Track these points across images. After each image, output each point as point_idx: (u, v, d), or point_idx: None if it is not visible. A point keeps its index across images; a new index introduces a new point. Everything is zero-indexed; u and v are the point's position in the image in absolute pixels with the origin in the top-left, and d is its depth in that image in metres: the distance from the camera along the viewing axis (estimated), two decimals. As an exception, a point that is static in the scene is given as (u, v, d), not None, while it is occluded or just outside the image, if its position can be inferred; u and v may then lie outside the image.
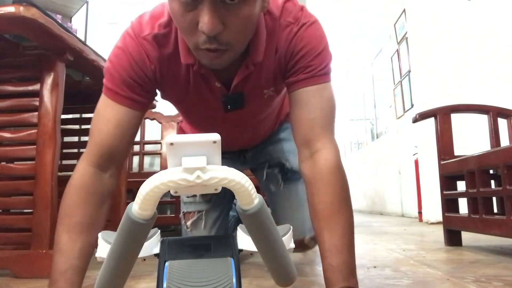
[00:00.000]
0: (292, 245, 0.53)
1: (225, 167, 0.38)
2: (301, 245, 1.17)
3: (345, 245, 0.68)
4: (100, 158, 0.75)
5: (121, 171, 0.83)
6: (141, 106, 0.79)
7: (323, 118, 0.76)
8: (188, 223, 1.24)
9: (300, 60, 0.78)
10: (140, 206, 0.37)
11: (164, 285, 0.45)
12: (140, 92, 0.77)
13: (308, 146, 0.76)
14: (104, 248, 0.49)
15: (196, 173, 0.36)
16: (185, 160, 0.36)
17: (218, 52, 0.66)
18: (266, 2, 0.71)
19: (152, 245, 0.50)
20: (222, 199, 1.27)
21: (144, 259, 0.51)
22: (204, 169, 0.36)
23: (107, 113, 0.77)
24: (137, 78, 0.76)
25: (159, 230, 0.53)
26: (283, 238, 0.50)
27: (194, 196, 1.23)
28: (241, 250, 0.52)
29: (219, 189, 0.40)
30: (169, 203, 2.13)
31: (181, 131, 1.25)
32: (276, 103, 1.02)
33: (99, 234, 0.52)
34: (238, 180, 0.38)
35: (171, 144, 0.37)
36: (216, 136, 0.38)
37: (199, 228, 1.24)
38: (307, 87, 0.77)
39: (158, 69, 0.78)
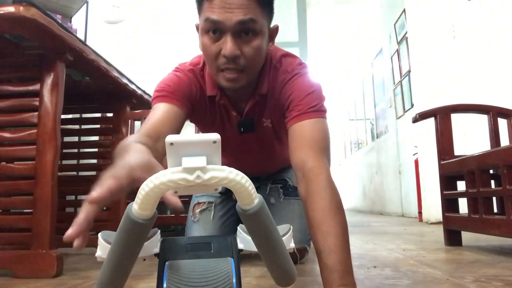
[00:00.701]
0: (292, 245, 0.53)
1: (225, 167, 0.38)
2: (291, 255, 1.23)
3: (339, 246, 0.68)
4: (147, 137, 0.81)
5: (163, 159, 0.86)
6: (185, 107, 0.95)
7: (315, 144, 0.86)
8: (197, 210, 1.34)
9: (292, 102, 0.94)
10: (140, 206, 0.37)
11: (164, 285, 0.45)
12: (184, 99, 0.96)
13: (302, 168, 0.84)
14: (104, 248, 0.49)
15: (196, 173, 0.36)
16: (185, 160, 0.36)
17: (235, 74, 0.86)
18: (270, 46, 0.95)
19: (152, 245, 0.50)
20: (232, 198, 1.33)
21: (144, 259, 0.51)
22: (204, 169, 0.36)
23: (155, 110, 0.92)
24: (184, 90, 0.96)
25: (159, 230, 0.53)
26: (283, 238, 0.49)
27: None
28: (241, 250, 0.51)
29: (220, 189, 0.40)
30: (169, 203, 2.13)
31: None
32: (284, 143, 1.17)
33: (99, 234, 0.52)
34: (238, 180, 0.37)
35: (171, 144, 0.37)
36: (215, 136, 0.37)
37: (206, 218, 1.31)
38: (300, 122, 0.91)
39: (199, 94, 1.01)
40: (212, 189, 0.39)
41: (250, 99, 1.01)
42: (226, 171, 0.37)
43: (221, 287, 0.44)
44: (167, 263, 0.47)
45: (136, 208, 0.37)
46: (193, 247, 0.49)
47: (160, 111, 0.91)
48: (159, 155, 0.82)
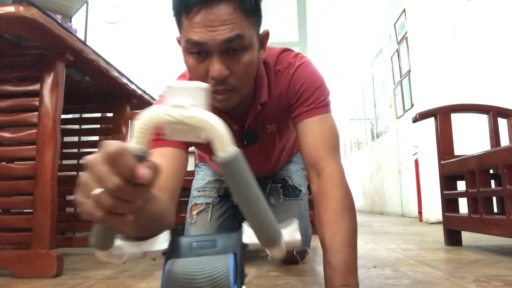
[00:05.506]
0: (298, 237, 0.53)
1: (207, 112, 0.42)
2: (291, 257, 1.22)
3: (346, 246, 0.69)
4: None
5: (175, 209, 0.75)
6: (184, 145, 0.85)
7: (327, 142, 0.85)
8: (194, 212, 1.33)
9: (301, 96, 0.91)
10: (135, 140, 0.41)
11: (165, 282, 0.46)
12: None
13: (315, 167, 0.84)
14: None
15: (178, 110, 0.41)
16: (174, 100, 0.42)
17: (226, 94, 0.80)
18: (262, 54, 0.87)
19: (161, 244, 0.51)
20: (230, 199, 1.35)
21: (154, 259, 0.52)
22: (186, 108, 0.41)
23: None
24: None
25: (169, 230, 0.54)
26: (287, 230, 0.50)
27: (204, 190, 1.36)
28: (246, 245, 0.52)
29: (202, 138, 0.43)
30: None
31: (200, 158, 1.46)
32: (287, 140, 1.16)
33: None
34: (213, 123, 0.41)
35: (169, 87, 0.42)
36: (204, 85, 0.43)
37: (204, 220, 1.30)
38: (309, 118, 0.89)
39: None
40: (194, 134, 0.42)
41: (251, 110, 0.94)
42: (205, 114, 0.41)
43: (219, 283, 0.45)
44: (168, 261, 0.48)
45: (134, 142, 0.41)
46: (198, 245, 0.50)
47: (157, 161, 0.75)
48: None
